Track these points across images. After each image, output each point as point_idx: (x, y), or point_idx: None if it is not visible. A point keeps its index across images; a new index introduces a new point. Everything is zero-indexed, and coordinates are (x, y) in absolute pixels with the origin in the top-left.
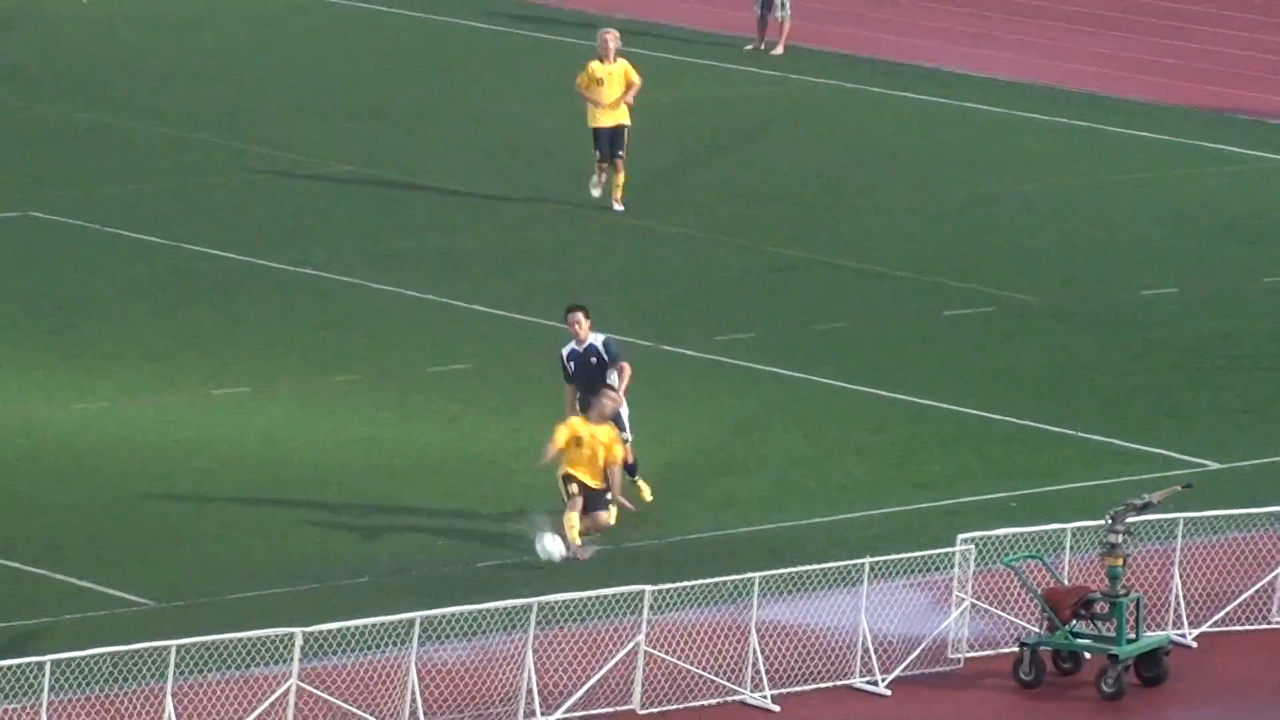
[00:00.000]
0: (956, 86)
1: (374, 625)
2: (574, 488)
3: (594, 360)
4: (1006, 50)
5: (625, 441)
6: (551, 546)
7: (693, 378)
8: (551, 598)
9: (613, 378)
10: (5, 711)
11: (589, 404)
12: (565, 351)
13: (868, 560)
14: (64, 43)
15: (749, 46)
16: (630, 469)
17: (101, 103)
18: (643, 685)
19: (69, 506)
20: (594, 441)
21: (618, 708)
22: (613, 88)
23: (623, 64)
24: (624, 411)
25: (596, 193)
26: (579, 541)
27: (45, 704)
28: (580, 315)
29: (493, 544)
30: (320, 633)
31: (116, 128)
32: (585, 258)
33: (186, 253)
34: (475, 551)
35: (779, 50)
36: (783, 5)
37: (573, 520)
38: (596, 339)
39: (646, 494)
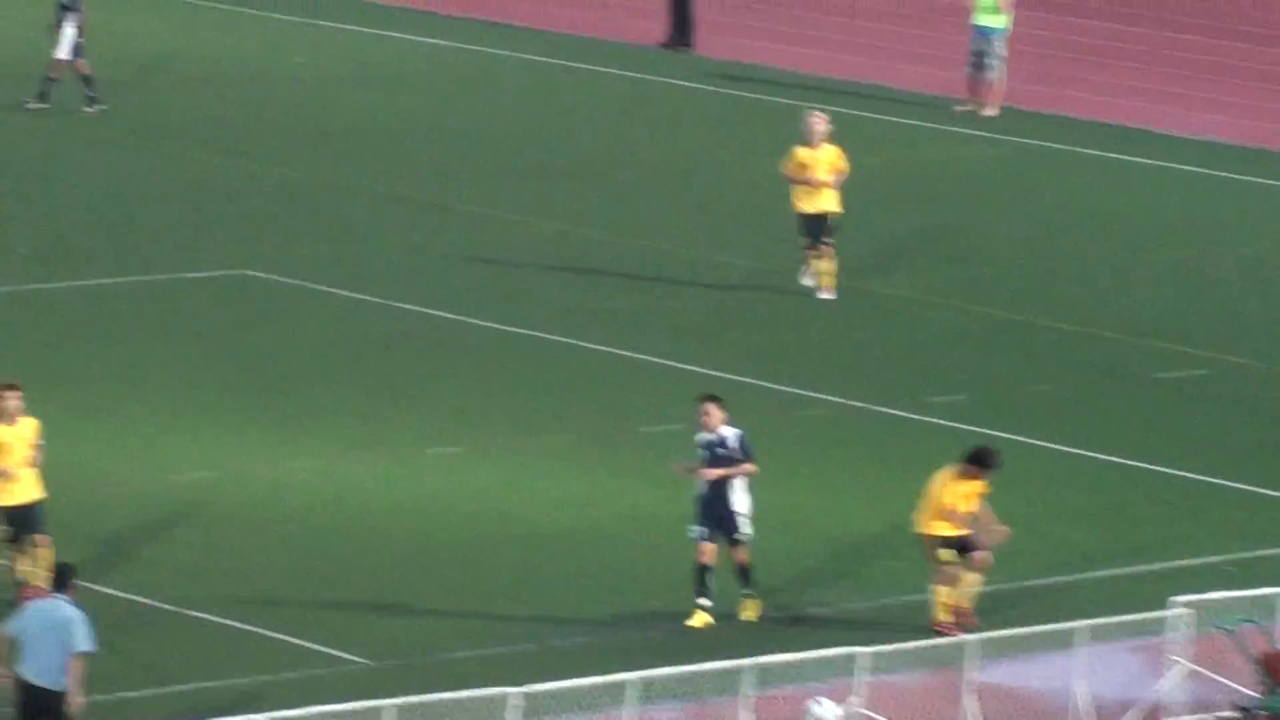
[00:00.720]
0: (1168, 148)
1: (590, 686)
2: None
3: (721, 452)
4: (1219, 112)
5: (741, 541)
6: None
7: (906, 439)
8: (767, 659)
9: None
10: None
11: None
12: (696, 439)
13: (1083, 624)
14: (278, 102)
15: (960, 108)
16: (744, 574)
17: (315, 161)
18: None
19: (284, 565)
20: None
21: None
22: (820, 172)
23: (831, 150)
24: (746, 506)
25: (808, 282)
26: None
27: None
28: (711, 406)
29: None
30: (537, 693)
31: (330, 187)
32: (799, 320)
33: (399, 311)
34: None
35: (991, 111)
36: (994, 66)
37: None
38: (728, 432)
39: (751, 613)
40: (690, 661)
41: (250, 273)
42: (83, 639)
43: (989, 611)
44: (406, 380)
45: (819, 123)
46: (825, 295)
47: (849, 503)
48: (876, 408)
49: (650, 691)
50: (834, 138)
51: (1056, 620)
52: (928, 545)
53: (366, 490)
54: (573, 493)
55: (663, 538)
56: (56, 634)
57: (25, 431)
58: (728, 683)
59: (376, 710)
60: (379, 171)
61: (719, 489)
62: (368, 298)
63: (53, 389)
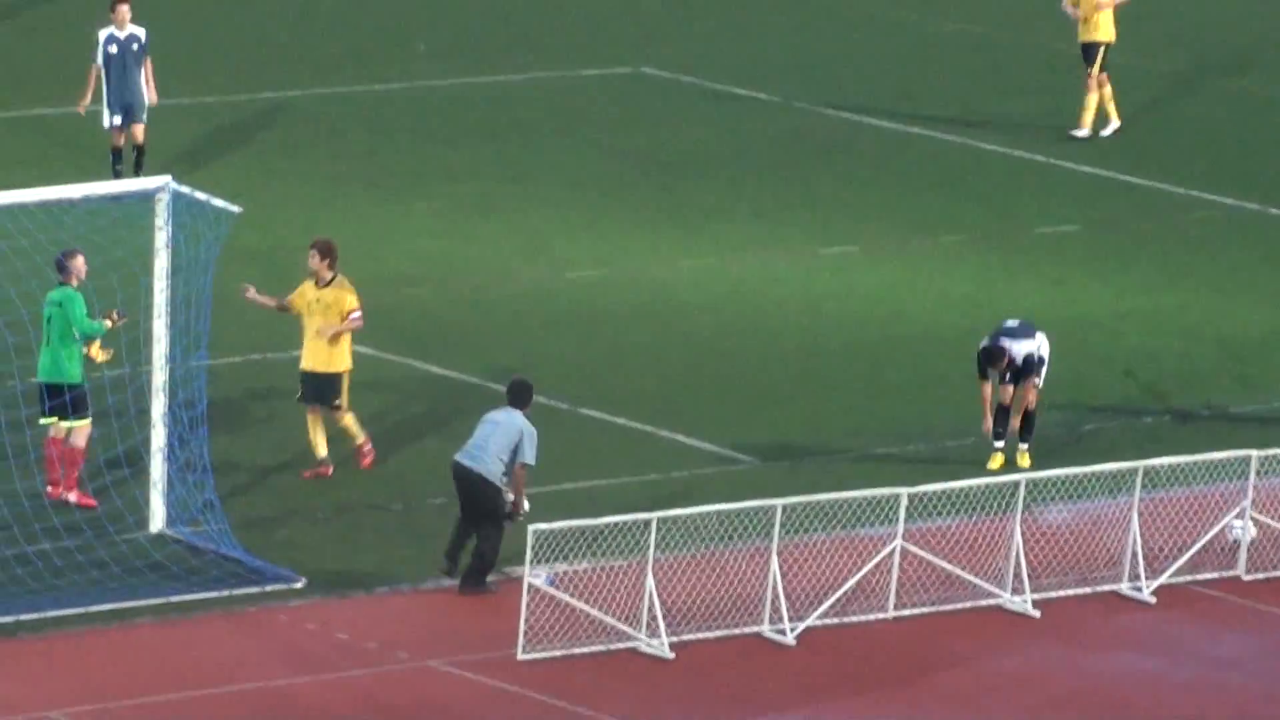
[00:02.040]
0: None
1: (979, 487)
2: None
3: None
4: None
5: (1035, 387)
6: None
7: None
8: (1157, 461)
9: None
10: (613, 568)
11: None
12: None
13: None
14: None
15: None
16: (1029, 425)
17: None
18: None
19: (677, 364)
20: None
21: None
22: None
23: None
24: (1046, 351)
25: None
26: None
27: (650, 560)
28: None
29: (1099, 408)
30: (925, 494)
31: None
32: (1191, 120)
33: (797, 110)
34: (1082, 416)
35: None
36: None
37: None
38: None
39: (1024, 460)
40: (1078, 464)
41: (647, 69)
42: (529, 452)
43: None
44: (803, 180)
45: None
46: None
47: (1241, 305)
48: (1270, 209)
49: (1038, 493)
50: None
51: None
52: None
53: (760, 289)
54: (966, 292)
55: (1060, 340)
56: (507, 438)
57: (336, 299)
58: (1118, 484)
59: (765, 509)
60: None
61: None
62: (764, 95)
63: (451, 185)
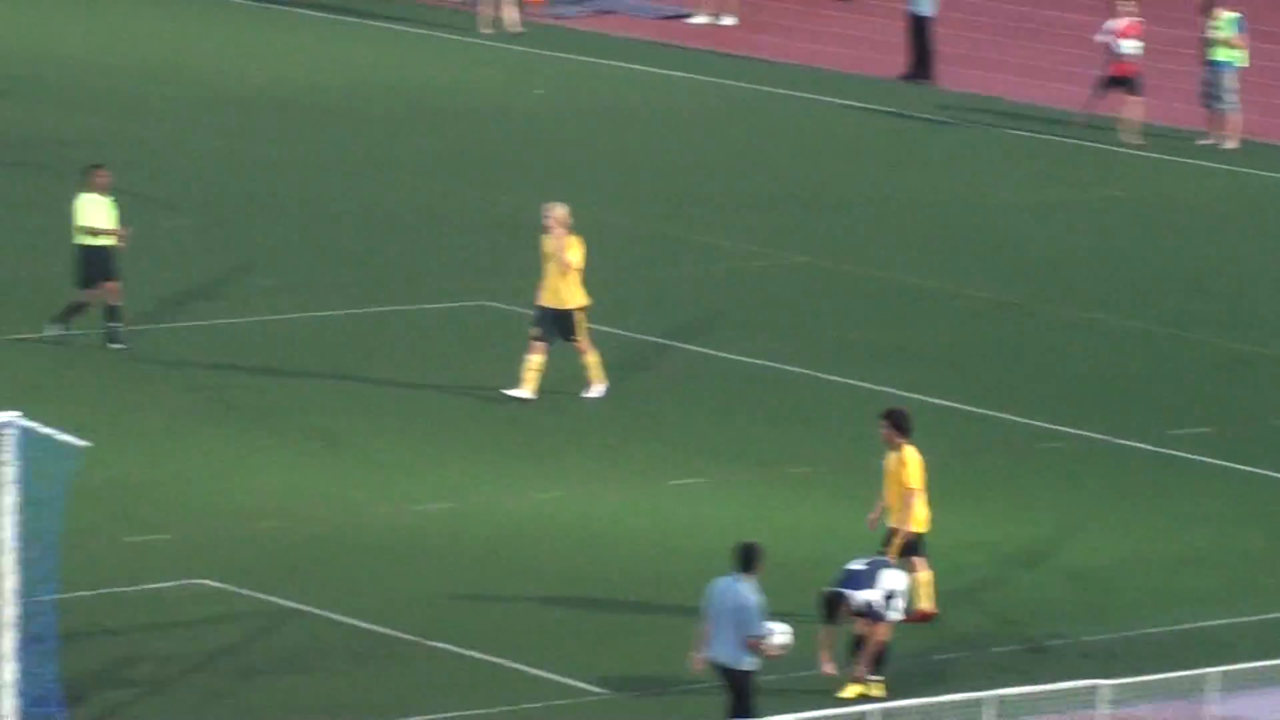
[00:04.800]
0: None
1: (829, 717)
2: None
3: None
4: None
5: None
6: None
7: (1148, 472)
8: (1009, 691)
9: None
10: None
11: None
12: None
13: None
14: (517, 134)
15: (1202, 141)
16: (882, 656)
17: (557, 195)
18: None
19: (526, 596)
20: None
21: None
22: None
23: None
24: (901, 585)
25: None
26: None
27: None
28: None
29: (949, 636)
30: None
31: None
32: (1037, 352)
33: (642, 344)
34: (932, 644)
35: (1231, 144)
36: (1225, 99)
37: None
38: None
39: (877, 690)
40: (930, 693)
41: (489, 303)
42: (757, 623)
43: (1232, 644)
44: (650, 412)
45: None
46: None
47: (1089, 535)
48: (1117, 440)
49: None
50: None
51: None
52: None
53: (609, 521)
54: (817, 523)
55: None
56: (736, 616)
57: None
58: (969, 715)
59: None
60: (616, 205)
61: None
62: (607, 329)
63: (295, 418)
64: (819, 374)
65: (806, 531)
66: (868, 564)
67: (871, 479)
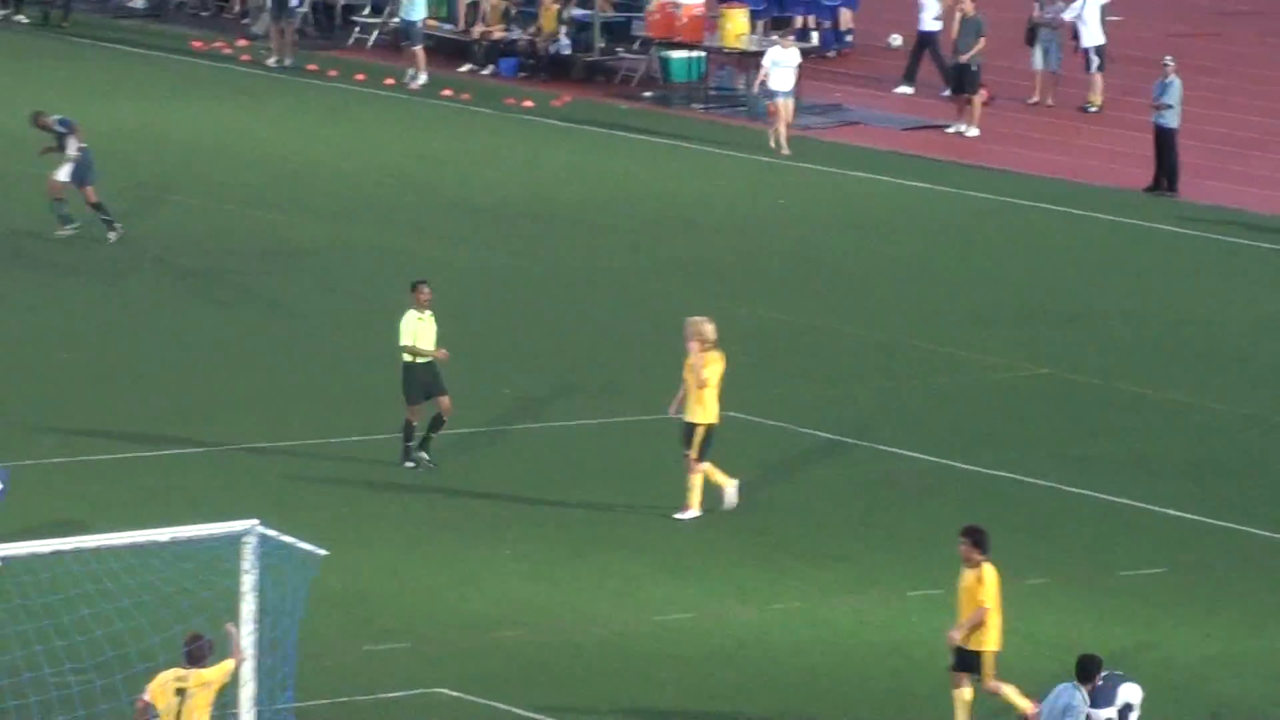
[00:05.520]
0: None
1: None
2: None
3: None
4: None
5: None
6: None
7: None
8: None
9: None
10: None
11: None
12: None
13: None
14: (762, 244)
15: None
16: None
17: (800, 305)
18: None
19: (765, 707)
20: None
21: None
22: None
23: None
24: (1137, 698)
25: None
26: None
27: None
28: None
29: None
30: None
31: (814, 329)
32: (1277, 465)
33: (881, 454)
34: None
35: None
36: None
37: None
38: None
39: None
40: None
41: (737, 414)
42: None
43: None
44: (889, 523)
45: None
46: None
47: None
48: None
49: None
50: None
51: None
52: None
53: (846, 632)
54: (1052, 636)
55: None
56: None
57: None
58: None
59: None
60: (864, 315)
61: None
62: (850, 440)
63: (535, 528)
64: (1059, 485)
65: (1044, 643)
66: (1103, 678)
67: (1107, 591)
